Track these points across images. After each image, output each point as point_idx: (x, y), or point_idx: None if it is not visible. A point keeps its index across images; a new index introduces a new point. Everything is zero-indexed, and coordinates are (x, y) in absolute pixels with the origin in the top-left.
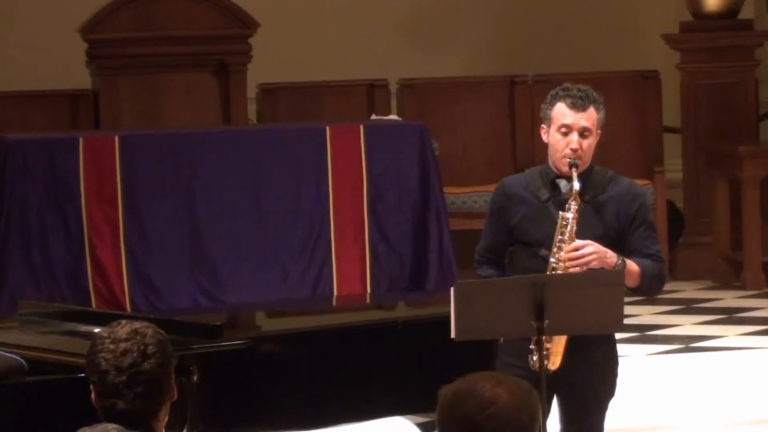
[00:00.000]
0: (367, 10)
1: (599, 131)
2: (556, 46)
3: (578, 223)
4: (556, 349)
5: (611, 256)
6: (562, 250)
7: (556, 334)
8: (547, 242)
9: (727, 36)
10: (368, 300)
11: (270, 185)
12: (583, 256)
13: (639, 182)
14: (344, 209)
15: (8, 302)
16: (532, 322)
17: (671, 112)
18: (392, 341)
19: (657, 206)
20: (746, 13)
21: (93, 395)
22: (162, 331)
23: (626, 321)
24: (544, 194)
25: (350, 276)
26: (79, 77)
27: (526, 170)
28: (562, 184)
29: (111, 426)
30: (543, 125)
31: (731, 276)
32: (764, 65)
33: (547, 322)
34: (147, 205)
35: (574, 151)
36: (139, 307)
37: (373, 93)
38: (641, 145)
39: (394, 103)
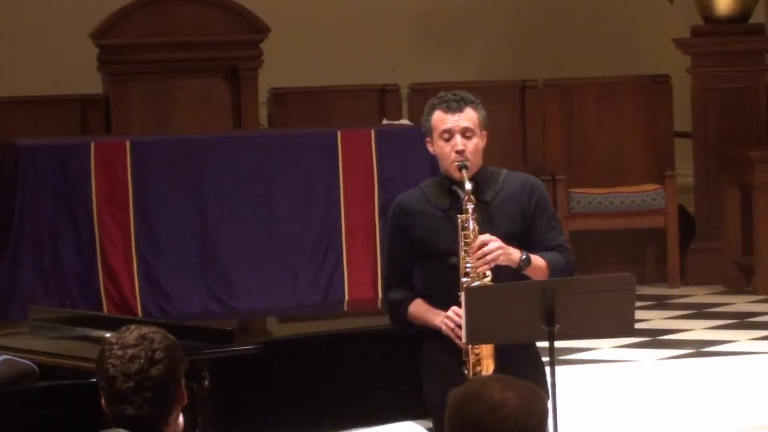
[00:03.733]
0: (378, 14)
1: (485, 132)
2: (566, 50)
3: (484, 225)
4: (487, 352)
5: (514, 252)
6: (468, 253)
7: (567, 339)
8: (456, 249)
9: (738, 40)
10: (379, 305)
11: (281, 190)
12: (491, 251)
13: (650, 186)
14: (355, 214)
15: (20, 307)
16: (543, 327)
17: (682, 117)
18: (403, 346)
19: (668, 211)
20: (757, 17)
21: (103, 401)
22: (171, 336)
23: (637, 326)
24: (445, 203)
25: (361, 281)
26: (90, 82)
27: (422, 184)
28: (460, 191)
29: (120, 431)
30: (427, 138)
31: (742, 281)
32: None
33: (558, 326)
34: (158, 210)
35: (460, 152)
36: (150, 312)
37: (384, 98)
38: (652, 149)
39: (405, 107)
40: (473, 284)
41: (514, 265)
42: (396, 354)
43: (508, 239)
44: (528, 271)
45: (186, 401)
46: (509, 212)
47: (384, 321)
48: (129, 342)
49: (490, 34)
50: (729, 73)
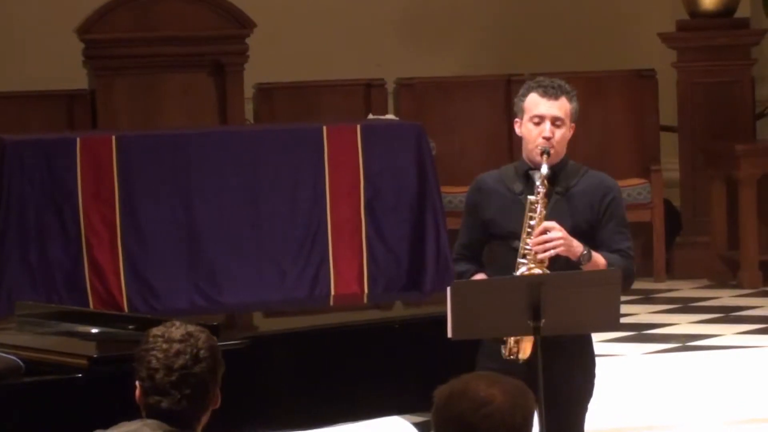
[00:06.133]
0: (364, 9)
1: (573, 125)
2: (553, 45)
3: (553, 214)
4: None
5: (577, 245)
6: (530, 235)
7: (552, 334)
8: (520, 233)
9: (724, 35)
10: (365, 300)
11: (267, 185)
12: (551, 240)
13: (636, 181)
14: (341, 209)
15: (5, 303)
16: (529, 322)
17: (668, 111)
18: (389, 341)
19: (654, 205)
20: (742, 11)
21: (138, 392)
22: (214, 338)
23: (623, 320)
24: (518, 187)
25: (347, 276)
26: (75, 78)
27: (503, 167)
28: (536, 175)
29: (149, 420)
30: (517, 119)
31: (728, 275)
32: (761, 64)
33: (543, 321)
34: (144, 205)
35: (547, 139)
36: (136, 307)
37: (370, 92)
38: (638, 144)
39: (391, 102)
40: (531, 269)
41: (574, 258)
42: (382, 348)
43: (573, 233)
44: (586, 267)
45: (218, 404)
46: (579, 207)
47: (369, 316)
48: (175, 337)
49: (476, 29)
50: (715, 68)
